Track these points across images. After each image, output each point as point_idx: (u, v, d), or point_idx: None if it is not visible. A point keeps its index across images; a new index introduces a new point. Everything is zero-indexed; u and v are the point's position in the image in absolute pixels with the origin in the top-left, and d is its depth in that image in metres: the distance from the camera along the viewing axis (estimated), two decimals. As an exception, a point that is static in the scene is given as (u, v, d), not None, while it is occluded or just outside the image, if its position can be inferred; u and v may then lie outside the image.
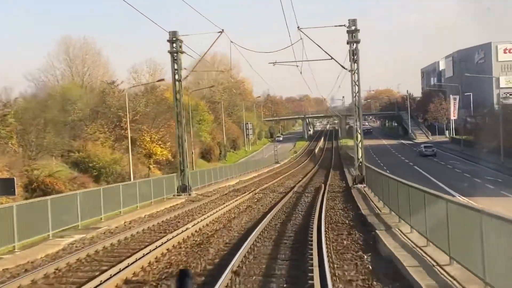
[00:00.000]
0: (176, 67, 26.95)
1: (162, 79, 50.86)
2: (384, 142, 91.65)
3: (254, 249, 11.90)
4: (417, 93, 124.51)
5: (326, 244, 11.75)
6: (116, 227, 16.70)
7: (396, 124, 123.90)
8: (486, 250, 6.83)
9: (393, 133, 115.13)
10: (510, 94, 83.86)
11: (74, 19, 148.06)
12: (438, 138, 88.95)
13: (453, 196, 21.46)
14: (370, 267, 9.77)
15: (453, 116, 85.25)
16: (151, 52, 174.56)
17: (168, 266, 10.77)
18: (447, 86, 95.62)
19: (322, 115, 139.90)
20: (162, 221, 17.68)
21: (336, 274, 9.32)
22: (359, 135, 25.89)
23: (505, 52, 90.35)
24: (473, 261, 7.45)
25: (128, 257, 11.64)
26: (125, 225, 17.28)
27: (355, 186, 25.48)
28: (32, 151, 37.20)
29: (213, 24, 38.90)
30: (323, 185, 28.66)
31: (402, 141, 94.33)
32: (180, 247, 12.87)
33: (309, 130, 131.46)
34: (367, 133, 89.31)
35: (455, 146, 71.22)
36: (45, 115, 43.62)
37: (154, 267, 10.74)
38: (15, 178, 20.90)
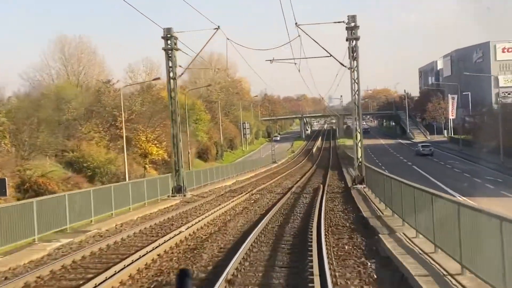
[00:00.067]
0: (170, 64, 26.24)
1: (158, 78, 50.13)
2: (382, 141, 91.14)
3: (250, 255, 11.22)
4: (415, 92, 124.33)
5: (327, 249, 11.09)
6: (107, 230, 15.99)
7: (394, 123, 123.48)
8: (506, 258, 6.17)
9: (391, 133, 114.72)
10: (508, 93, 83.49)
11: (74, 19, 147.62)
12: (437, 137, 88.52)
13: (453, 196, 20.82)
14: (375, 275, 9.09)
15: (452, 115, 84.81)
16: (149, 51, 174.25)
17: (158, 274, 10.08)
18: (445, 86, 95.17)
19: (319, 114, 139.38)
20: (155, 224, 16.98)
21: (339, 283, 8.65)
22: (358, 134, 25.23)
23: (503, 51, 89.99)
24: (490, 270, 6.79)
25: (117, 263, 10.94)
26: (116, 228, 16.57)
27: (355, 186, 24.82)
28: (25, 150, 36.61)
29: (209, 20, 38.21)
30: (321, 186, 28.01)
31: (400, 140, 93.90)
32: (172, 252, 12.18)
33: (307, 130, 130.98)
34: (365, 133, 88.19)
35: (453, 146, 70.81)
36: (38, 114, 43.06)
37: (143, 275, 10.05)
38: (6, 179, 20.24)
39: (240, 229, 15.28)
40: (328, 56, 25.13)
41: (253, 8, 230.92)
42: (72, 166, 39.40)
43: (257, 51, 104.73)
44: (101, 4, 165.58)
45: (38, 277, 9.98)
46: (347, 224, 15.09)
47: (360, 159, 25.26)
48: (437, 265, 8.68)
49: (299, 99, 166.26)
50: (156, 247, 12.43)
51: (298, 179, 37.16)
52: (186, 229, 15.30)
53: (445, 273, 8.17)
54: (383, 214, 15.39)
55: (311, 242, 11.78)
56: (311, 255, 10.38)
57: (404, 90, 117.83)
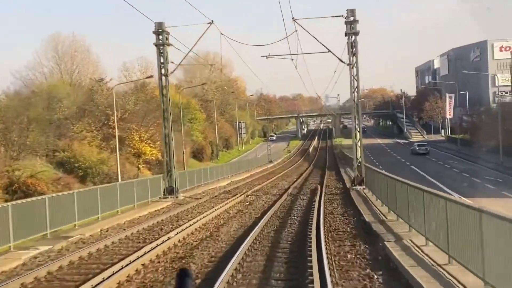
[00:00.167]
0: (162, 60, 25.20)
1: (151, 76, 49.08)
2: (379, 141, 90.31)
3: (244, 265, 10.19)
4: (411, 92, 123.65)
5: (328, 258, 10.08)
6: (91, 235, 14.93)
7: (391, 123, 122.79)
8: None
9: (388, 132, 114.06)
10: (506, 92, 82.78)
11: (71, 18, 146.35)
12: (434, 137, 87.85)
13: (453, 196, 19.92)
14: (383, 291, 8.08)
15: (449, 114, 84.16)
16: (145, 50, 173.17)
17: (140, 288, 9.05)
18: (442, 85, 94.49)
19: (316, 114, 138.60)
20: (143, 229, 15.92)
21: (342, 301, 7.64)
22: (358, 134, 24.23)
23: (501, 50, 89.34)
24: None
25: (96, 275, 9.90)
26: (101, 233, 15.51)
27: (354, 187, 23.83)
28: (14, 150, 35.66)
29: (203, 14, 37.18)
30: (319, 187, 27.02)
31: (397, 140, 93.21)
32: (159, 262, 11.14)
33: (303, 129, 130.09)
34: (362, 132, 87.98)
35: (451, 145, 70.20)
36: (28, 113, 42.13)
37: (124, 289, 9.02)
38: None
39: (234, 234, 14.25)
40: (326, 52, 24.14)
41: (249, 1, 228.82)
42: (63, 166, 38.57)
43: (252, 47, 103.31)
44: (99, 4, 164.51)
45: (6, 292, 8.94)
46: (348, 229, 14.08)
47: (360, 159, 24.28)
48: (453, 280, 7.69)
49: (295, 98, 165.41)
50: (141, 256, 11.39)
51: (294, 179, 36.17)
52: (176, 234, 14.27)
53: (464, 289, 7.18)
54: (386, 218, 14.38)
55: (311, 250, 10.76)
56: (311, 266, 9.36)
57: (401, 90, 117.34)
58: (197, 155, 64.97)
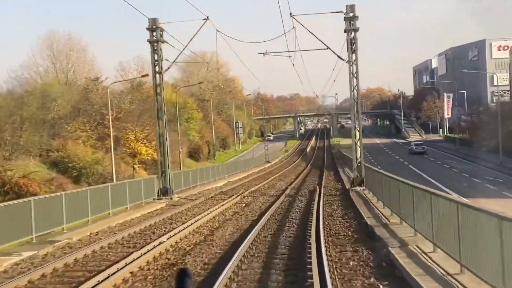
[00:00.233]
0: (156, 58, 24.49)
1: (146, 74, 48.29)
2: (377, 141, 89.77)
3: (239, 274, 9.49)
4: (409, 91, 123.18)
5: (329, 266, 9.41)
6: (79, 239, 14.20)
7: (388, 122, 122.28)
8: None
9: (386, 132, 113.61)
10: (504, 92, 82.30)
11: (73, 18, 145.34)
12: (432, 136, 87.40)
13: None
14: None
15: (447, 114, 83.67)
16: (143, 50, 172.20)
17: (127, 299, 8.36)
18: (440, 84, 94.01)
19: (313, 113, 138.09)
20: (135, 232, 15.22)
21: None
22: (357, 133, 23.56)
23: (499, 49, 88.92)
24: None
25: (80, 284, 9.21)
26: (90, 237, 14.79)
27: (354, 188, 23.15)
28: (7, 150, 34.99)
29: (198, 10, 36.25)
30: (317, 187, 26.34)
31: (395, 140, 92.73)
32: (148, 269, 10.44)
33: (300, 129, 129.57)
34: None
35: (449, 145, 69.80)
36: (22, 112, 41.51)
37: (109, 301, 8.32)
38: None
39: (229, 239, 13.55)
40: (325, 49, 23.46)
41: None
42: (57, 166, 38.01)
43: (249, 44, 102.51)
44: (98, 4, 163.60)
45: (-20, 304, 8.24)
46: (349, 233, 13.40)
47: (360, 159, 23.61)
48: (468, 292, 7.02)
49: (293, 98, 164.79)
50: (130, 262, 10.69)
51: (292, 180, 35.52)
52: (168, 238, 13.58)
53: (480, 304, 6.52)
54: (389, 221, 13.71)
55: (310, 257, 10.08)
56: (311, 276, 8.68)
57: (398, 89, 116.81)
58: (194, 155, 64.36)
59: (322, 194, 22.80)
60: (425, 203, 9.92)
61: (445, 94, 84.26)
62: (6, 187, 28.12)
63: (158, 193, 24.29)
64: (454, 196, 21.64)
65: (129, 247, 13.02)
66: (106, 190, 18.98)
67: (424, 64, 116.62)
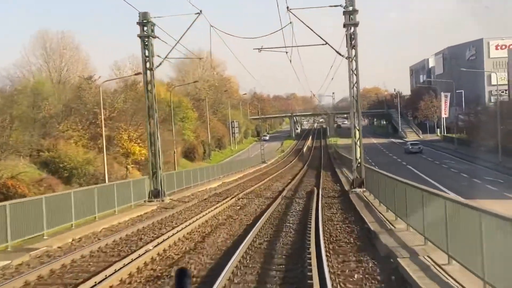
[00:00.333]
0: (147, 53, 23.43)
1: (140, 73, 47.23)
2: (374, 141, 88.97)
3: (230, 289, 8.48)
4: (405, 91, 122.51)
5: (331, 279, 8.39)
6: (59, 247, 13.13)
7: (385, 122, 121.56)
8: None
9: (383, 132, 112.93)
10: (502, 92, 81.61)
11: (72, 18, 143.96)
12: (429, 136, 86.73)
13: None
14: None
15: (444, 114, 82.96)
16: (138, 48, 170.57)
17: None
18: (437, 83, 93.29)
19: (310, 113, 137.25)
20: (120, 238, 14.16)
21: None
22: (357, 132, 22.56)
23: (497, 49, 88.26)
24: None
25: (52, 301, 8.17)
26: (72, 244, 13.73)
27: (353, 190, 22.15)
28: (-4, 150, 34.05)
29: (191, 4, 35.09)
30: (315, 189, 25.33)
31: (392, 139, 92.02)
32: (130, 283, 9.39)
33: (297, 129, 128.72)
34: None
35: (447, 145, 69.16)
36: (11, 111, 40.56)
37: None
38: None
39: (221, 246, 12.51)
40: (323, 44, 22.46)
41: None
42: (47, 166, 37.09)
43: (244, 40, 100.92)
44: (96, 3, 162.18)
45: None
46: (352, 240, 12.38)
47: (360, 160, 22.62)
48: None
49: (289, 98, 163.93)
50: (111, 274, 9.65)
51: (289, 180, 34.53)
52: (156, 245, 12.54)
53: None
54: (394, 226, 12.71)
55: (311, 269, 9.06)
56: (312, 291, 7.67)
57: (394, 89, 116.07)
58: (189, 154, 63.44)
59: (320, 196, 21.79)
60: (438, 210, 8.91)
61: (442, 94, 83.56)
62: (-7, 188, 27.22)
63: (149, 195, 23.23)
64: (452, 196, 20.86)
65: (113, 255, 11.98)
66: (92, 193, 17.90)
67: (421, 63, 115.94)
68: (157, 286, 9.02)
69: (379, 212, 15.46)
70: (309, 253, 10.48)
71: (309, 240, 11.96)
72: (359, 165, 22.52)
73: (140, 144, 44.17)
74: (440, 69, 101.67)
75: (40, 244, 13.13)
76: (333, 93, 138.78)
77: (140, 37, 23.29)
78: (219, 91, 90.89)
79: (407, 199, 11.80)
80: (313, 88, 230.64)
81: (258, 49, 23.63)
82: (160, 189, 23.42)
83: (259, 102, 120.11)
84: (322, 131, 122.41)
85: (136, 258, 11.09)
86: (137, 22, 23.28)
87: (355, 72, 22.11)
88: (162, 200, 23.03)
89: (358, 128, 22.72)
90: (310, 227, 13.81)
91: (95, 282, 9.18)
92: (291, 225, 15.39)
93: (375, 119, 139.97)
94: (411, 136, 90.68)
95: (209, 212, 18.80)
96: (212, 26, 22.79)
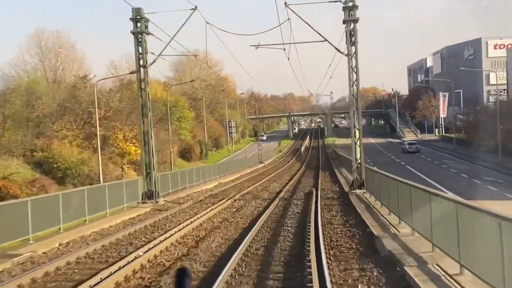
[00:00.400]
0: (140, 50, 22.75)
1: (135, 71, 46.53)
2: (372, 140, 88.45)
3: (224, 301, 7.80)
4: (403, 90, 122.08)
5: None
6: (44, 253, 12.42)
7: (383, 122, 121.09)
8: None
9: (381, 132, 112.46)
10: (500, 91, 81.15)
11: (72, 17, 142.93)
12: (428, 136, 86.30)
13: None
14: None
15: (443, 113, 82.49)
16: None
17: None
18: (435, 83, 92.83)
19: (307, 113, 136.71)
20: (110, 243, 13.45)
21: None
22: (357, 132, 21.91)
23: (495, 48, 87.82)
24: None
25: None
26: (58, 249, 13.02)
27: (353, 191, 21.50)
28: (-13, 150, 33.46)
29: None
30: (313, 190, 24.68)
31: (390, 139, 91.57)
32: (116, 293, 8.71)
33: (294, 129, 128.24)
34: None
35: (446, 145, 68.68)
36: (4, 111, 39.96)
37: None
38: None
39: (215, 252, 11.82)
40: (322, 41, 21.80)
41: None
42: (41, 166, 36.44)
43: (241, 37, 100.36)
44: (95, 3, 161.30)
45: None
46: (353, 245, 11.71)
47: (360, 160, 21.97)
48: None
49: (287, 97, 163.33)
50: (95, 284, 8.96)
51: (286, 181, 33.86)
52: (147, 251, 11.85)
53: None
54: (398, 231, 12.05)
55: (311, 279, 8.39)
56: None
57: (392, 89, 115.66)
58: (186, 154, 62.78)
59: (319, 198, 21.13)
60: (448, 214, 8.26)
61: (440, 93, 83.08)
62: (-16, 190, 26.58)
63: (142, 196, 22.54)
64: (458, 199, 20.27)
65: (100, 261, 11.29)
66: (82, 194, 17.19)
67: (419, 63, 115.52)
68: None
69: (381, 215, 14.81)
70: (309, 261, 9.81)
71: (309, 245, 11.30)
72: (359, 165, 21.87)
73: (136, 144, 43.58)
74: (438, 68, 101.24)
75: (24, 250, 12.42)
76: (331, 92, 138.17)
77: (133, 33, 22.61)
78: (216, 91, 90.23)
79: (412, 202, 11.14)
80: (311, 87, 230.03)
81: (255, 46, 22.96)
82: (154, 190, 22.74)
83: (257, 101, 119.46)
84: (319, 131, 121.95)
85: (125, 265, 10.39)
86: (130, 18, 22.60)
87: (355, 69, 21.46)
88: (156, 202, 22.34)
89: (358, 127, 22.06)
90: (309, 231, 13.16)
91: (78, 293, 8.49)
92: (289, 228, 14.72)
93: (373, 119, 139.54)
94: (409, 136, 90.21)
95: (204, 214, 18.13)
96: (207, 23, 22.20)
